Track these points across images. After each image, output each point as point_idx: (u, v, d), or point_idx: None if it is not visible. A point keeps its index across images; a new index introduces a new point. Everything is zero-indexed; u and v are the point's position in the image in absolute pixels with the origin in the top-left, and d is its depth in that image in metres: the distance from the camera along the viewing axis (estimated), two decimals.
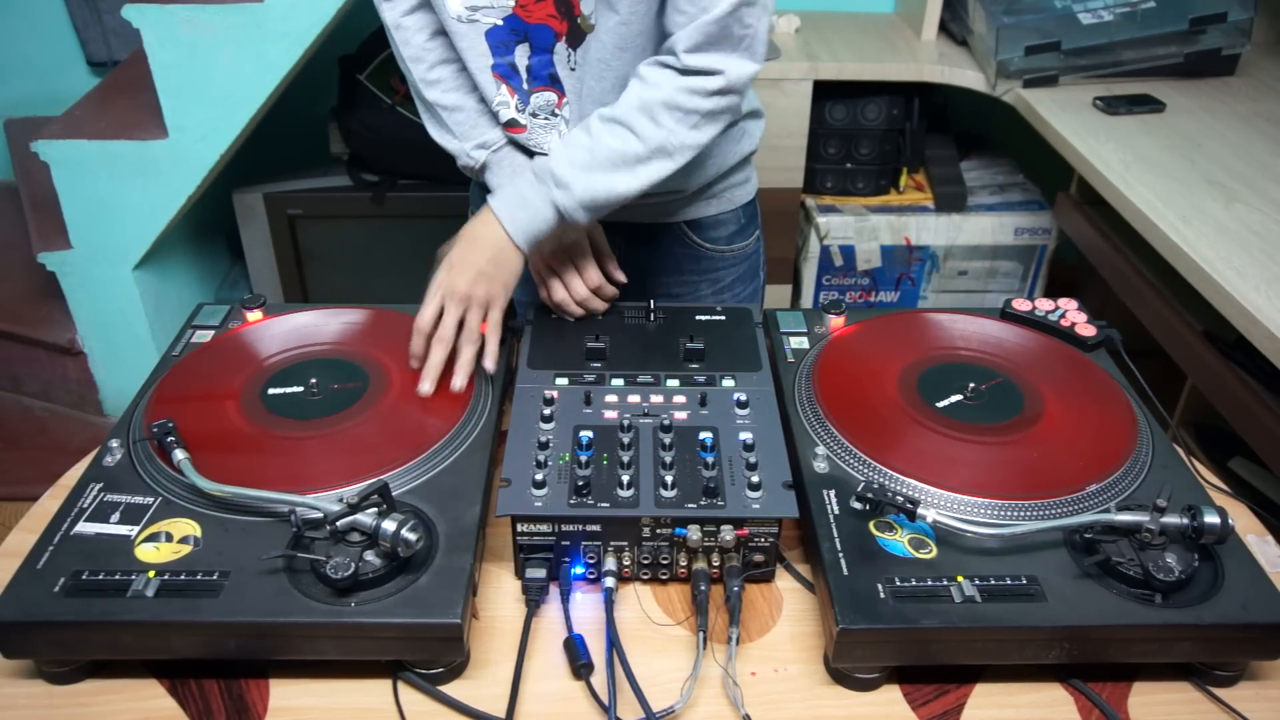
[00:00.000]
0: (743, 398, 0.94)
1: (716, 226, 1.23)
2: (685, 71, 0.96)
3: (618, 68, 1.02)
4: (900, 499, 0.80)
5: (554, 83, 1.05)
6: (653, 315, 1.08)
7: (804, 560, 0.89)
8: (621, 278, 1.11)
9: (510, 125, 1.09)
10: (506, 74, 1.05)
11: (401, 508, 0.80)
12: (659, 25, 0.99)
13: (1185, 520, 0.77)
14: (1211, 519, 0.76)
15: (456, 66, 1.08)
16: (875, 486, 0.82)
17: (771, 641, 0.82)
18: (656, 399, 0.94)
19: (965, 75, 2.15)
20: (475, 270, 0.99)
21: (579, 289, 1.07)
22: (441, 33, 1.06)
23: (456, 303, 0.98)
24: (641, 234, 1.22)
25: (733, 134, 1.17)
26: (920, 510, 0.80)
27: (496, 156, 1.10)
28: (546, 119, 1.07)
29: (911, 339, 1.06)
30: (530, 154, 1.11)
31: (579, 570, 0.84)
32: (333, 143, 2.34)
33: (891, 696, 0.78)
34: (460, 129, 1.09)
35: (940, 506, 0.83)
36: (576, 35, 1.01)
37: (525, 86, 1.06)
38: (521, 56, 1.04)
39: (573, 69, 1.04)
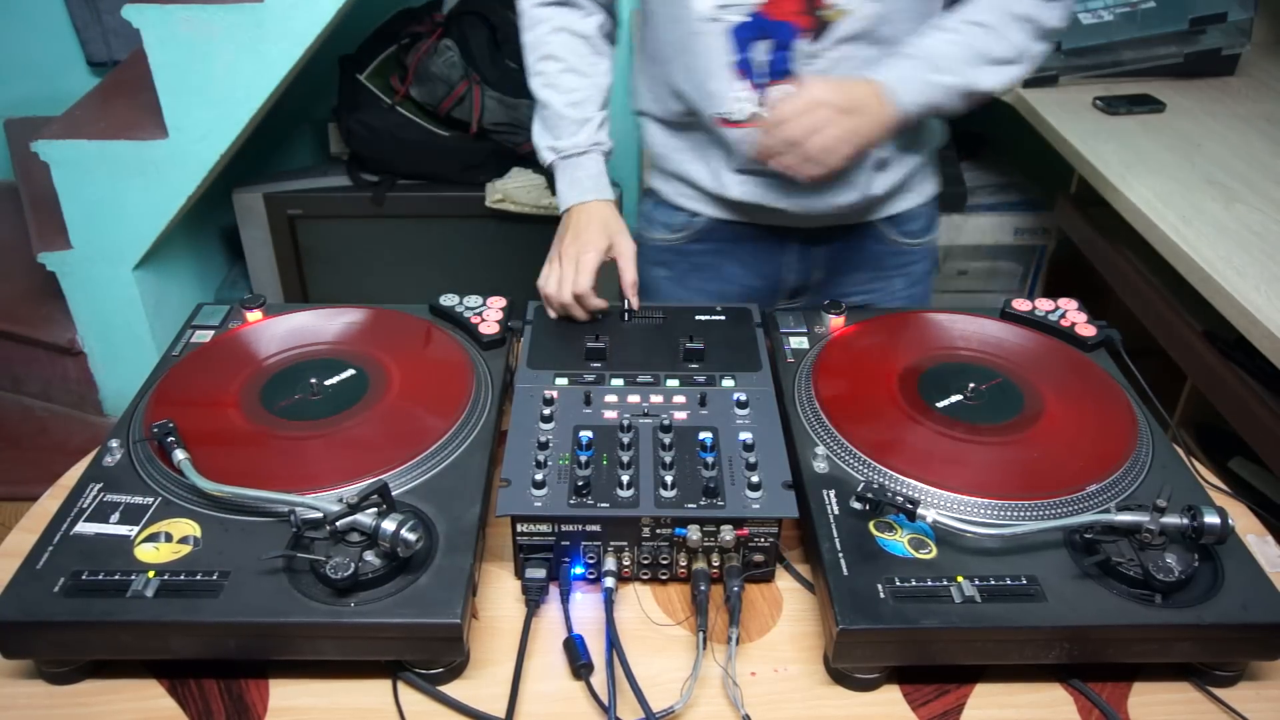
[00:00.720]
0: (743, 398, 0.94)
1: (912, 220, 1.24)
2: None
3: (861, 58, 1.05)
4: (900, 499, 0.80)
5: (791, 78, 1.07)
6: (627, 315, 1.08)
7: (804, 560, 0.89)
8: (634, 302, 1.11)
9: (751, 120, 1.10)
10: (747, 69, 1.07)
11: (401, 508, 0.80)
12: (915, 10, 1.04)
13: (1185, 520, 0.77)
14: (1211, 519, 0.76)
15: (565, 65, 1.14)
16: (875, 486, 0.82)
17: (771, 641, 0.82)
18: (656, 399, 0.94)
19: None
20: (849, 105, 1.00)
21: (565, 291, 1.07)
22: (564, 30, 1.15)
23: (819, 113, 0.99)
24: (839, 236, 1.23)
25: (933, 124, 1.20)
26: (920, 510, 0.80)
27: (565, 162, 1.15)
28: None
29: (911, 339, 1.06)
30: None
31: (579, 570, 0.84)
32: (333, 143, 2.34)
33: (891, 696, 0.78)
34: (549, 122, 1.15)
35: (940, 506, 0.83)
36: (819, 27, 1.04)
37: (763, 81, 1.08)
38: (760, 52, 1.06)
39: (810, 62, 1.06)
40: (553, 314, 1.09)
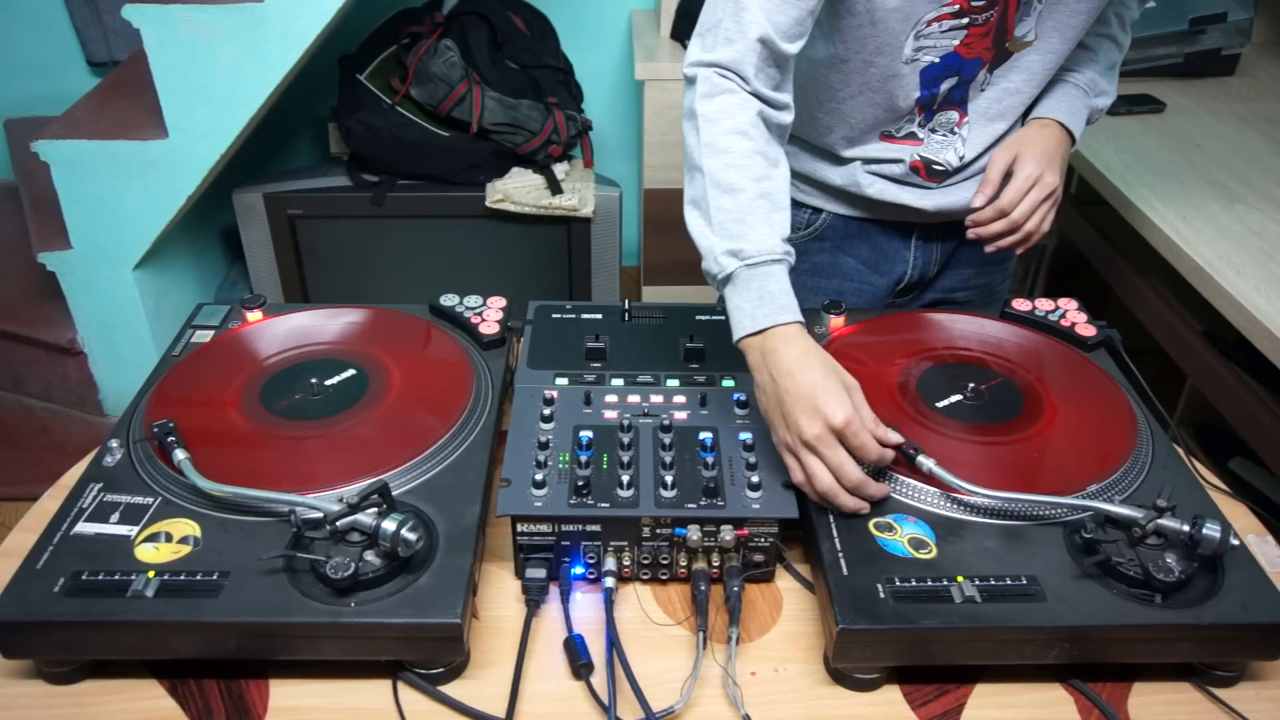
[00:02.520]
0: (743, 398, 0.94)
1: None
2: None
3: (1027, 90, 1.08)
4: (904, 444, 0.85)
5: (961, 104, 1.09)
6: (627, 316, 1.08)
7: (804, 560, 0.89)
8: (896, 438, 0.85)
9: (908, 139, 1.12)
10: (925, 102, 1.08)
11: (401, 508, 0.80)
12: (1070, 45, 1.07)
13: (1185, 526, 0.77)
14: (1210, 531, 0.75)
15: (755, 147, 0.90)
16: None
17: (771, 641, 0.82)
18: (656, 399, 0.94)
19: None
20: (1058, 166, 1.08)
21: (852, 474, 0.81)
22: (758, 106, 0.93)
23: (1042, 191, 1.05)
24: (956, 231, 1.22)
25: None
26: (920, 459, 0.83)
27: (751, 272, 0.87)
28: (945, 135, 1.11)
29: (911, 339, 1.06)
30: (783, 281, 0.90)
31: (579, 570, 0.84)
32: (333, 143, 2.34)
33: (891, 696, 0.78)
34: (720, 215, 0.88)
35: (940, 506, 0.83)
36: (1000, 58, 1.05)
37: (935, 107, 1.09)
38: (945, 88, 1.07)
39: (982, 90, 1.08)
40: (843, 510, 0.83)
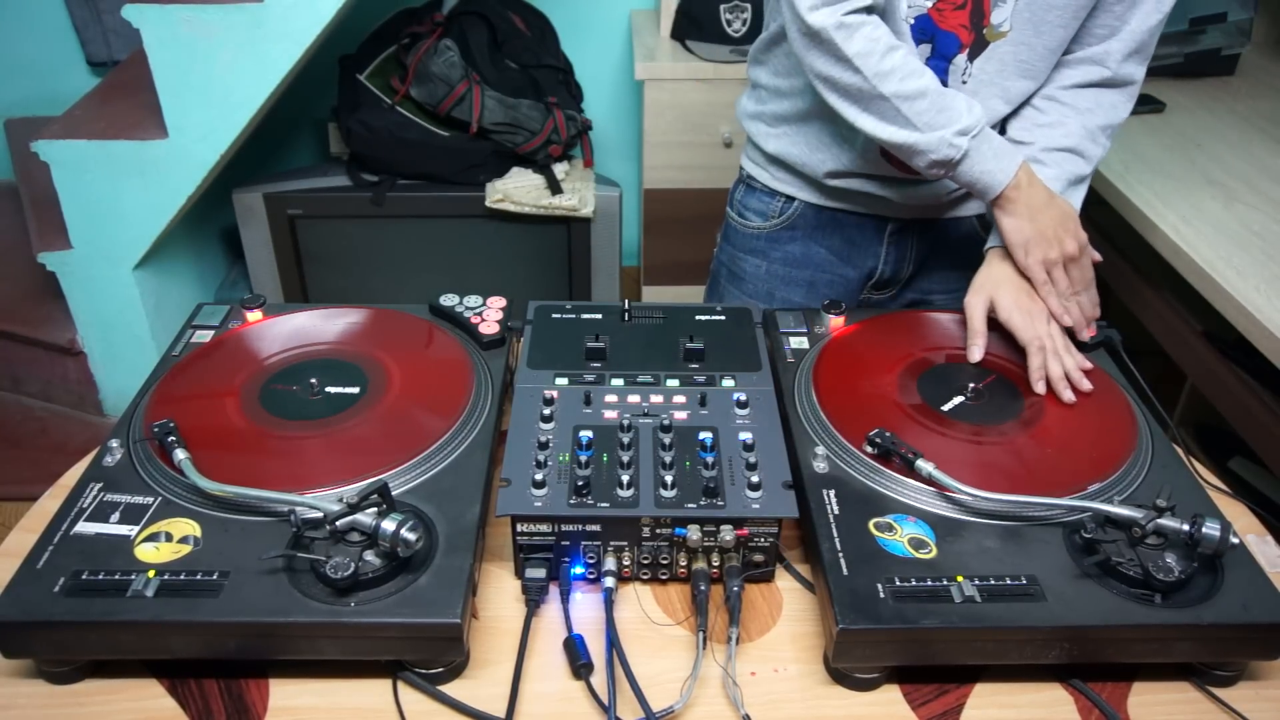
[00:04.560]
0: (743, 398, 0.94)
1: None
2: (1115, 84, 1.09)
3: (1008, 87, 1.07)
4: (903, 449, 0.86)
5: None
6: (627, 316, 1.08)
7: (804, 560, 0.89)
8: (1098, 256, 1.06)
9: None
10: None
11: (401, 508, 0.80)
12: (1063, 45, 1.07)
13: (1185, 526, 0.77)
14: (1210, 530, 0.75)
15: (904, 51, 1.01)
16: (886, 434, 0.86)
17: (771, 641, 0.82)
18: (656, 399, 0.94)
19: None
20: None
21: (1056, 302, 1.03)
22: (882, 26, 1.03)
23: (1042, 317, 1.02)
24: (934, 228, 1.24)
25: None
26: (919, 463, 0.84)
27: (976, 142, 1.01)
28: None
29: (911, 339, 1.06)
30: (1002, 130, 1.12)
31: (579, 570, 0.84)
32: (333, 143, 2.34)
33: (891, 696, 0.78)
34: (924, 118, 1.01)
35: (940, 506, 0.83)
36: (979, 46, 1.05)
37: None
38: (920, 56, 1.07)
39: (964, 82, 1.08)
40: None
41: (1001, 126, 1.14)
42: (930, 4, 1.03)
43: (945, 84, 1.08)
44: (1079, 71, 1.09)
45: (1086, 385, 0.98)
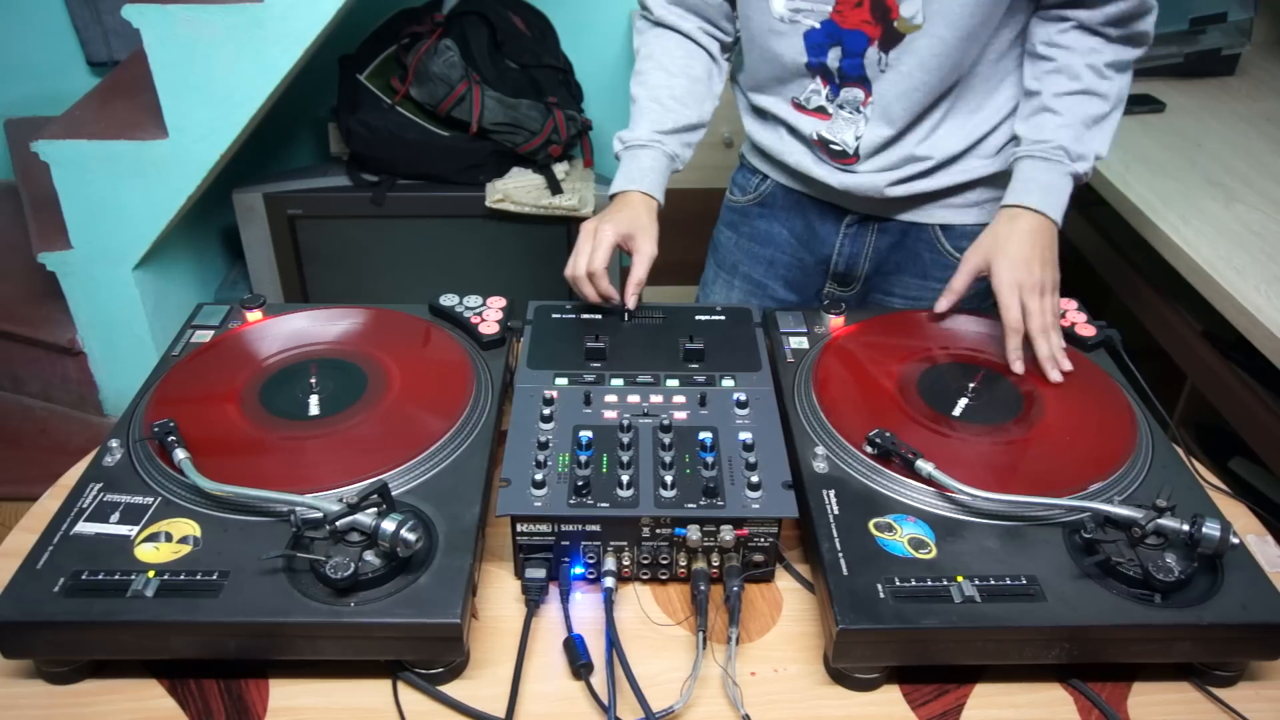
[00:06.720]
0: (742, 398, 0.94)
1: (967, 237, 1.20)
2: (1112, 24, 1.06)
3: (928, 74, 1.07)
4: (904, 449, 0.86)
5: (863, 82, 1.11)
6: (627, 316, 1.08)
7: (804, 560, 0.89)
8: (630, 302, 1.09)
9: (818, 111, 1.16)
10: (821, 71, 1.12)
11: (401, 508, 0.80)
12: (981, 34, 1.05)
13: (1184, 526, 0.77)
14: (1210, 530, 0.75)
15: (654, 64, 1.18)
16: (886, 434, 0.86)
17: (771, 641, 0.82)
18: (656, 399, 0.94)
19: None
20: (1039, 259, 1.03)
21: (578, 266, 1.08)
22: (670, 32, 1.19)
23: (1035, 293, 1.01)
24: (894, 232, 1.24)
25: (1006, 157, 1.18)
26: (919, 463, 0.84)
27: (628, 153, 1.18)
28: (851, 113, 1.13)
29: (911, 339, 1.06)
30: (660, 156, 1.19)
31: (579, 570, 0.84)
32: (333, 143, 2.33)
33: (891, 696, 0.78)
34: (634, 118, 1.18)
35: (940, 506, 0.83)
36: (891, 39, 1.06)
37: (837, 81, 1.12)
38: (833, 59, 1.09)
39: (882, 71, 1.08)
40: (585, 297, 1.10)
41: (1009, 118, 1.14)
42: (830, 8, 1.05)
43: (863, 78, 1.09)
44: (1072, 17, 1.06)
45: (1067, 364, 1.00)
